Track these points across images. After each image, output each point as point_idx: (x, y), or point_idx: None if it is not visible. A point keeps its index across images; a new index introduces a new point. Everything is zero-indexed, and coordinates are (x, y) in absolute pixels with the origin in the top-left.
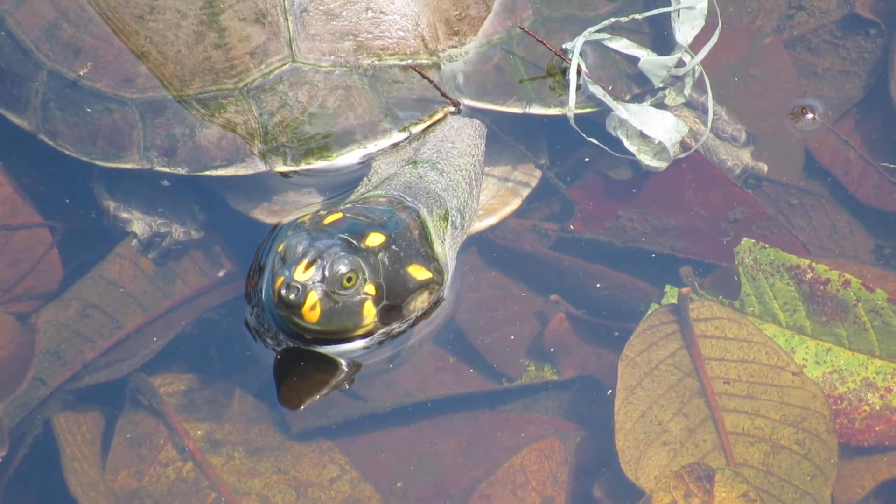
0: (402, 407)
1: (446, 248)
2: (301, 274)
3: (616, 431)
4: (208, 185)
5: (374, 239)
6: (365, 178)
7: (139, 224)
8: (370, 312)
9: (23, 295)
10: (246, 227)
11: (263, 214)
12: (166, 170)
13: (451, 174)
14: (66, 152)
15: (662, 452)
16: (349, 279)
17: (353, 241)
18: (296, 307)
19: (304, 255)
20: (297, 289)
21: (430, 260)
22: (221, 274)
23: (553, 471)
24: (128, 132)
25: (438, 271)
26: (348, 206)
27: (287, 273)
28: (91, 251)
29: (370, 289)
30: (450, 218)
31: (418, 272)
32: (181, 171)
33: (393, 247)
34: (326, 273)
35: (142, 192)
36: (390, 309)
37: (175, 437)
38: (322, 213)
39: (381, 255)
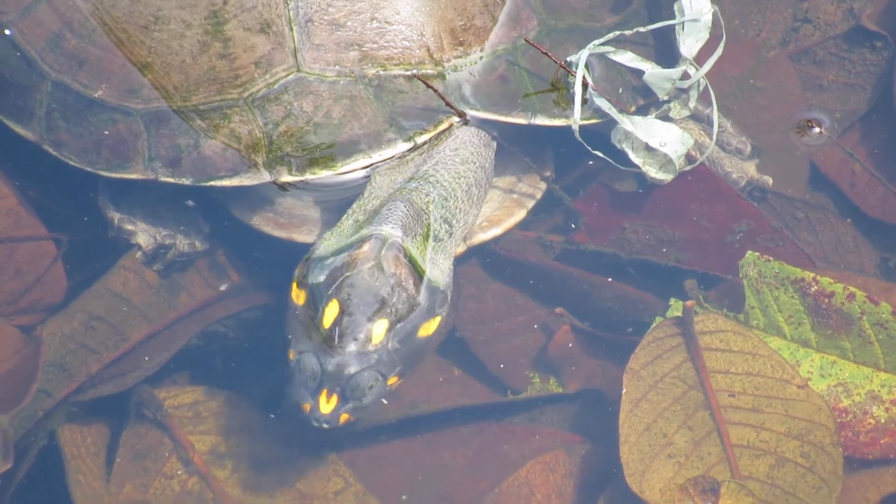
0: (408, 419)
1: (437, 265)
2: (325, 406)
3: (621, 444)
4: (213, 196)
5: (379, 329)
6: (363, 192)
7: (144, 236)
8: (394, 384)
9: (27, 307)
10: (251, 238)
11: (268, 226)
12: (171, 180)
13: (447, 182)
14: (71, 163)
15: (667, 465)
16: (371, 387)
17: (362, 348)
18: (331, 429)
19: (320, 388)
20: (328, 419)
21: (432, 309)
22: (223, 288)
23: (558, 483)
24: (132, 142)
25: (444, 301)
26: (337, 290)
27: (313, 404)
28: (96, 263)
29: (392, 380)
30: (432, 232)
31: (428, 329)
32: (186, 181)
33: (398, 325)
34: (349, 395)
35: (147, 204)
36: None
37: (180, 450)
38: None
39: (391, 344)
